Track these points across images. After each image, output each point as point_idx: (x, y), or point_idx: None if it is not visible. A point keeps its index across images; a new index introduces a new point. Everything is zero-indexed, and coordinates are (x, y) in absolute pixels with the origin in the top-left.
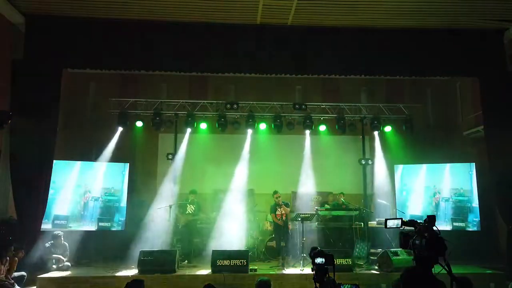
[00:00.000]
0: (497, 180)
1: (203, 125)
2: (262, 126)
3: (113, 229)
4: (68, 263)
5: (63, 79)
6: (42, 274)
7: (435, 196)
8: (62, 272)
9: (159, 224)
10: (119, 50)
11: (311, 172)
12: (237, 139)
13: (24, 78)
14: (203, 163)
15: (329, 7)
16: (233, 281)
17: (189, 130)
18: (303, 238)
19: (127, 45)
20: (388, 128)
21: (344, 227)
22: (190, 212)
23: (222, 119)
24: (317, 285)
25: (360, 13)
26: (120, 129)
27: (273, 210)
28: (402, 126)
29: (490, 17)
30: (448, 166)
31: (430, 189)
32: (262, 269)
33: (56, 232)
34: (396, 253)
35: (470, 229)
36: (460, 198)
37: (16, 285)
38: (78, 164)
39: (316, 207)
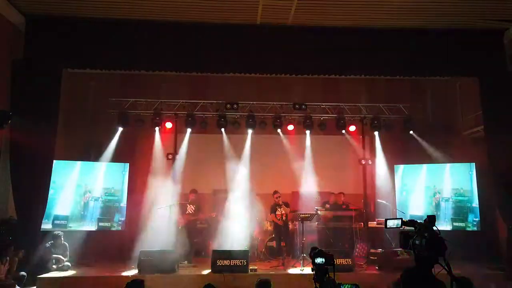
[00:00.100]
0: (497, 180)
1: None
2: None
3: (113, 229)
4: (68, 263)
5: (63, 79)
6: (42, 274)
7: (435, 196)
8: (62, 272)
9: (159, 224)
10: (119, 50)
11: (311, 172)
12: (237, 139)
13: (24, 78)
14: (203, 163)
15: (329, 7)
16: (233, 281)
17: (189, 130)
18: (303, 238)
19: (127, 45)
20: (387, 128)
21: (344, 227)
22: (190, 212)
23: (222, 119)
24: (317, 285)
25: (360, 13)
26: (120, 129)
27: (273, 210)
28: (402, 126)
29: (490, 17)
30: (448, 166)
31: (430, 189)
32: (262, 269)
33: (56, 232)
34: (396, 253)
35: (470, 229)
36: (460, 198)
37: (16, 285)
38: (78, 164)
39: (316, 207)
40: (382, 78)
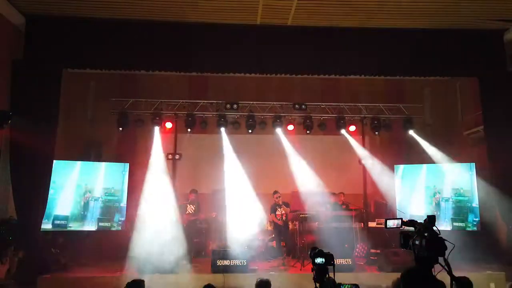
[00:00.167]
0: (497, 180)
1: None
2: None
3: (113, 229)
4: (68, 263)
5: (63, 79)
6: (42, 274)
7: (435, 196)
8: (62, 272)
9: (159, 224)
10: (119, 50)
11: (311, 172)
12: (237, 139)
13: (24, 78)
14: (203, 163)
15: (329, 7)
16: (233, 281)
17: (189, 130)
18: (303, 238)
19: (127, 45)
20: (387, 128)
21: (344, 227)
22: (190, 212)
23: (222, 119)
24: (317, 285)
25: (360, 13)
26: (120, 129)
27: (273, 210)
28: (402, 126)
29: (490, 17)
30: (448, 166)
31: (430, 189)
32: (262, 269)
33: (56, 233)
34: (396, 253)
35: (470, 229)
36: (460, 198)
37: (16, 285)
38: (78, 164)
39: (316, 207)
40: (382, 78)
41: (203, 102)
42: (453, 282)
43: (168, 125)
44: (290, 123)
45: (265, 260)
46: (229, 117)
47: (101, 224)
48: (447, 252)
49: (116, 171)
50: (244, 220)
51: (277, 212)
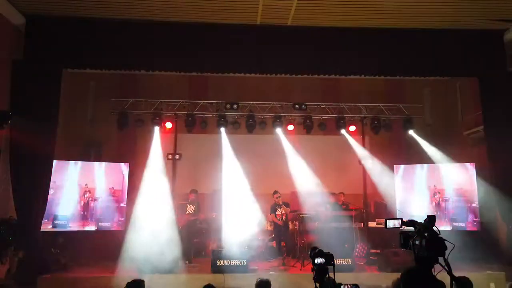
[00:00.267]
0: (497, 180)
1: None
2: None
3: (113, 229)
4: (68, 263)
5: (63, 79)
6: (42, 274)
7: (435, 196)
8: (62, 272)
9: (159, 224)
10: (119, 50)
11: (311, 172)
12: (237, 139)
13: (24, 78)
14: (203, 163)
15: (329, 7)
16: (233, 281)
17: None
18: (303, 238)
19: (127, 45)
20: (387, 128)
21: (344, 227)
22: (190, 212)
23: (222, 119)
24: (317, 285)
25: (360, 13)
26: (120, 129)
27: (273, 210)
28: (402, 126)
29: (490, 17)
30: (448, 166)
31: (430, 189)
32: (262, 269)
33: (56, 233)
34: (396, 253)
35: (470, 229)
36: (460, 198)
37: (16, 285)
38: (78, 164)
39: (316, 207)
40: (382, 78)
41: (203, 102)
42: (453, 282)
43: (168, 125)
44: (290, 123)
45: (265, 260)
46: (229, 117)
47: (101, 224)
48: (447, 252)
49: (116, 171)
50: (244, 220)
51: (277, 212)
